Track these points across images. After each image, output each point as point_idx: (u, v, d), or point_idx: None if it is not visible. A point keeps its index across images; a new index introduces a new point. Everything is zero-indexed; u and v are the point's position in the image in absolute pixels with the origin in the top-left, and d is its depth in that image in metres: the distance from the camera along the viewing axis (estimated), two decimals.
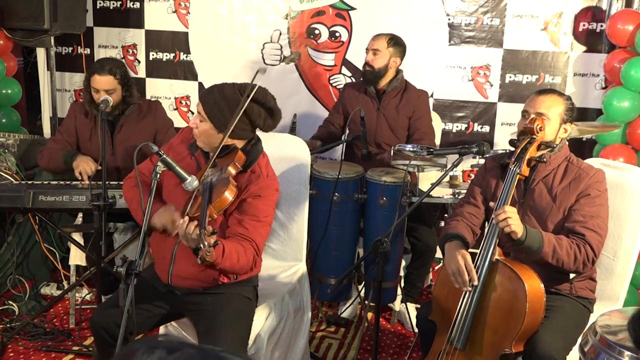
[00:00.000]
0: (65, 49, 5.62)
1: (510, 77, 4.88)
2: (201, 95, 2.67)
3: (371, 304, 3.85)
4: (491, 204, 2.75)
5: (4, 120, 4.97)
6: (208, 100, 2.62)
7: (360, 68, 5.00)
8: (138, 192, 2.79)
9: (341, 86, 4.86)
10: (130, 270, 2.32)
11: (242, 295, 2.78)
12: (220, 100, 2.59)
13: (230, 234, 2.61)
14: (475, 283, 2.58)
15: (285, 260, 3.52)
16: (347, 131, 4.15)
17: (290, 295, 3.25)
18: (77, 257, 3.92)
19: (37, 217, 3.93)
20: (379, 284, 2.94)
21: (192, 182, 2.48)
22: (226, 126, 2.56)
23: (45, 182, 3.71)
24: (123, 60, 5.32)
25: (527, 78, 4.85)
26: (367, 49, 4.16)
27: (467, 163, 3.97)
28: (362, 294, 3.98)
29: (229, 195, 2.52)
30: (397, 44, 4.14)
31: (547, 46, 4.79)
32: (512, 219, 2.54)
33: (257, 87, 2.54)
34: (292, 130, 4.74)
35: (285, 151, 3.51)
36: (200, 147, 2.72)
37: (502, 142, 4.84)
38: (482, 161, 3.15)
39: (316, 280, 3.84)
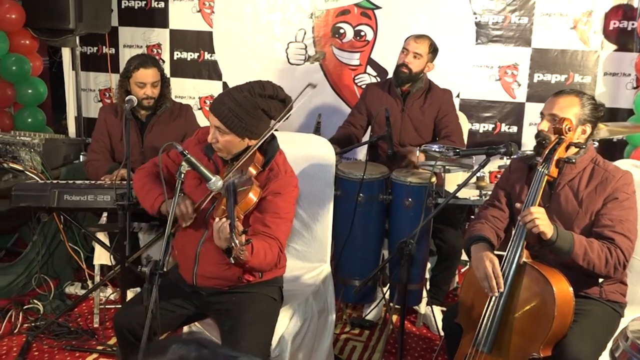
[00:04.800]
0: (90, 49, 5.64)
1: (538, 76, 4.81)
2: (213, 109, 2.60)
3: (396, 306, 3.81)
4: (517, 205, 2.70)
5: (29, 120, 5.01)
6: (223, 112, 2.58)
7: (385, 67, 5.00)
8: (150, 180, 2.85)
9: None
10: (155, 270, 2.32)
11: (267, 295, 2.76)
12: (235, 109, 2.57)
13: (253, 232, 2.60)
14: (502, 290, 2.54)
15: (309, 261, 3.50)
16: (371, 132, 4.10)
17: (314, 296, 3.22)
18: (101, 256, 3.94)
19: (62, 217, 3.94)
20: (404, 286, 2.90)
21: (216, 182, 2.51)
22: (249, 131, 2.59)
23: (70, 182, 3.73)
24: None
25: (556, 78, 4.77)
26: (405, 48, 4.07)
27: (494, 164, 3.92)
28: (387, 296, 3.94)
29: (253, 196, 2.54)
30: (435, 50, 4.11)
31: (576, 45, 4.71)
32: (539, 219, 2.50)
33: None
34: (317, 130, 4.72)
35: (309, 151, 3.49)
36: (221, 157, 2.72)
37: (530, 142, 4.76)
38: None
39: (340, 281, 3.81)
